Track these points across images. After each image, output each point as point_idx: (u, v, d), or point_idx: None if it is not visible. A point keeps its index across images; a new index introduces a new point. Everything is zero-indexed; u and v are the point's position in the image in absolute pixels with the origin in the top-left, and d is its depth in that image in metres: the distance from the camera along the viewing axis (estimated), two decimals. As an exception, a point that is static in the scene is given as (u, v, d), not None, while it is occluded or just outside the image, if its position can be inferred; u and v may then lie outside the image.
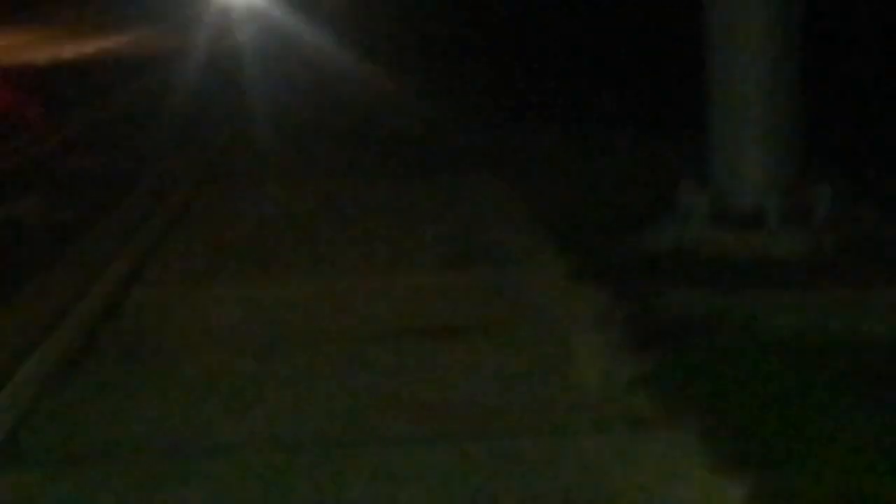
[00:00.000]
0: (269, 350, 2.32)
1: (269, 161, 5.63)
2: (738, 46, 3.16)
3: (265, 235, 3.80)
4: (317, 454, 1.68)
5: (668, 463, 1.61)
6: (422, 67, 8.99)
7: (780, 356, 2.11)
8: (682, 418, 1.84)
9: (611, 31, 6.42)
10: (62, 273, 3.46)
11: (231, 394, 2.01)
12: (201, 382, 2.11)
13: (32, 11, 21.28)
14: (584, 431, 1.82)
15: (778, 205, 3.03)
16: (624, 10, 6.28)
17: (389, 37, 10.91)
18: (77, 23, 20.61)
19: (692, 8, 3.50)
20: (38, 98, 9.40)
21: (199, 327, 2.57)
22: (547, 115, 6.10)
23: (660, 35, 5.70)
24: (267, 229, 3.89)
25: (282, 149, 5.90)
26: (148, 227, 4.05)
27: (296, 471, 1.57)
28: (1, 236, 4.34)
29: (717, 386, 1.97)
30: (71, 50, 15.26)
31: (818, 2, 3.65)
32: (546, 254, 3.23)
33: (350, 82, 8.79)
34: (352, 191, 4.65)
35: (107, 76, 11.56)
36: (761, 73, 3.11)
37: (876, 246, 2.95)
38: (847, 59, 4.47)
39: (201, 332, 2.52)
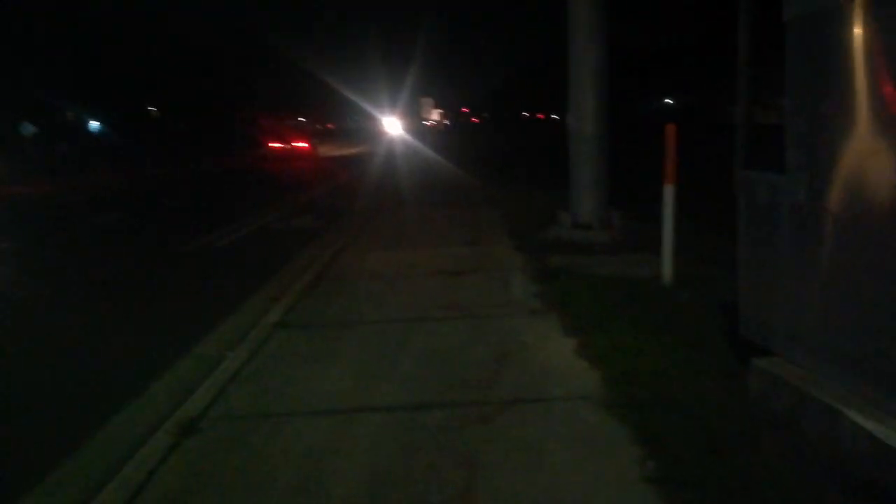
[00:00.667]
0: (392, 279, 5.61)
1: (406, 201, 11.54)
2: (578, 146, 6.78)
3: (398, 232, 7.76)
4: (409, 325, 4.18)
5: (542, 330, 3.95)
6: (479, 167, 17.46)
7: (595, 284, 4.97)
8: (552, 311, 4.33)
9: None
10: (311, 249, 7.03)
11: (374, 298, 4.95)
12: (362, 293, 5.12)
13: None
14: (509, 315, 4.34)
15: (598, 218, 6.70)
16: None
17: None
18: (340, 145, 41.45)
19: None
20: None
21: (364, 270, 5.76)
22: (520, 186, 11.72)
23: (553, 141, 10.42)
24: (400, 229, 7.95)
25: (411, 196, 12.36)
26: (351, 230, 8.28)
27: (403, 331, 4.07)
28: (287, 236, 8.83)
29: (569, 297, 4.65)
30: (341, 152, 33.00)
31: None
32: (505, 240, 6.78)
33: (445, 170, 17.99)
34: (438, 212, 9.65)
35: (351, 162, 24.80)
36: (591, 160, 6.76)
37: (637, 237, 6.67)
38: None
39: (364, 272, 5.70)
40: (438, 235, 7.67)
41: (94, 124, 39.59)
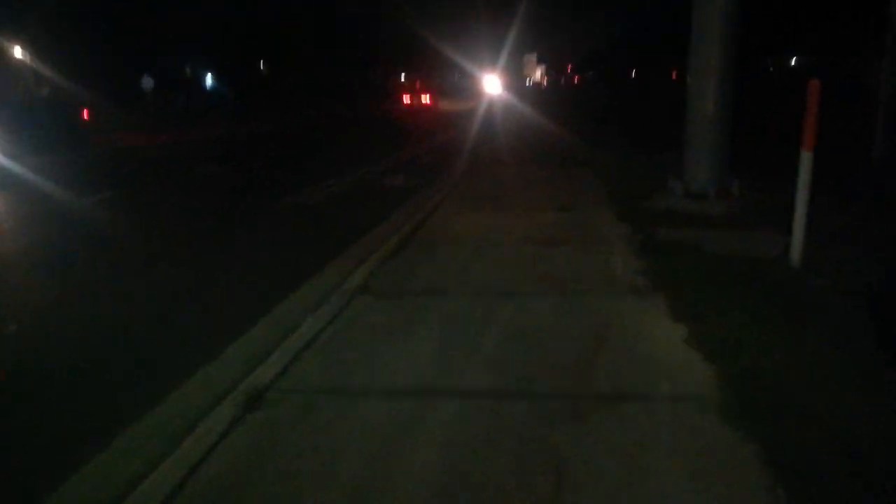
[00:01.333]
0: (482, 246, 5.17)
1: (502, 160, 10.99)
2: (697, 102, 6.05)
3: (493, 194, 7.57)
4: (497, 299, 3.79)
5: (648, 313, 3.40)
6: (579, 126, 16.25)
7: (710, 262, 4.32)
8: (659, 291, 3.72)
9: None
10: (408, 205, 7.31)
11: (461, 266, 4.59)
12: (449, 260, 4.75)
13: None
14: (609, 293, 3.85)
15: (714, 189, 6.00)
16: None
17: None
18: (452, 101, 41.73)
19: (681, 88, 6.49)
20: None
21: (454, 235, 5.45)
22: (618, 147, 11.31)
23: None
24: (495, 191, 7.81)
25: (509, 156, 11.73)
26: (445, 187, 8.21)
27: (490, 306, 3.67)
28: (386, 192, 8.97)
29: (679, 276, 3.98)
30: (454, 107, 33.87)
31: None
32: (606, 207, 6.22)
33: (546, 130, 17.10)
34: (536, 173, 9.24)
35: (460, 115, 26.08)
36: (709, 123, 6.02)
37: (760, 210, 5.92)
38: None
39: (454, 238, 5.38)
40: (534, 199, 7.12)
41: (210, 80, 41.93)
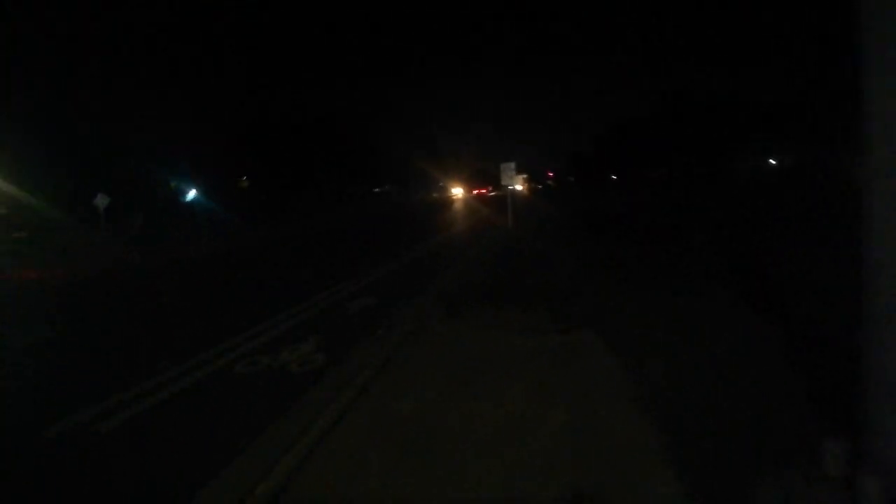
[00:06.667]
0: None
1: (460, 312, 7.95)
2: None
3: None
4: None
5: None
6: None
7: None
8: None
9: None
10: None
11: None
12: None
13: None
14: None
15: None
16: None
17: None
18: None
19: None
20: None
21: None
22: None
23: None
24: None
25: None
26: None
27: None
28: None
29: None
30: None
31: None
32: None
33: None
34: (510, 350, 5.57)
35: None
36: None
37: None
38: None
39: None
40: (500, 455, 3.79)
41: (192, 194, 41.32)
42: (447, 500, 3.30)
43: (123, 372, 6.21)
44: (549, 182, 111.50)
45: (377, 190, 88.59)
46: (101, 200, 26.09)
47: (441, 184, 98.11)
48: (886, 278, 2.45)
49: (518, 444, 3.87)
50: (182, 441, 4.53)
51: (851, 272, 2.76)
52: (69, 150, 31.18)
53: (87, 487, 3.92)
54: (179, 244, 23.27)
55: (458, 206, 53.14)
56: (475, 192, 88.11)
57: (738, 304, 6.68)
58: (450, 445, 3.90)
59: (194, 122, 41.87)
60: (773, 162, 61.32)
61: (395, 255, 15.32)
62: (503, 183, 21.70)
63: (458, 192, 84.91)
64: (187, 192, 40.33)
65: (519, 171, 22.83)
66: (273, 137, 50.72)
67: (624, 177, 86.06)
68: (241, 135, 48.00)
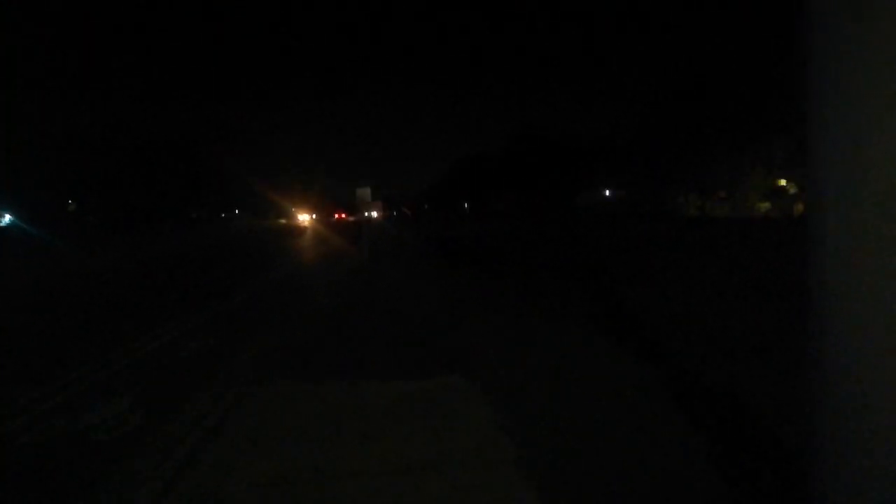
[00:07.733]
0: None
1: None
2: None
3: None
4: None
5: None
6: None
7: None
8: None
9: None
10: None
11: None
12: None
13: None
14: None
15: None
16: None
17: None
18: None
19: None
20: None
21: None
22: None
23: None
24: None
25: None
26: None
27: None
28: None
29: None
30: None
31: None
32: None
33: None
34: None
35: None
36: None
37: None
38: None
39: None
40: None
41: (6, 218, 37.92)
42: None
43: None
44: (406, 210, 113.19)
45: (223, 215, 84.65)
46: None
47: (293, 209, 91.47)
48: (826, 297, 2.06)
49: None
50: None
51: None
52: None
53: None
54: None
55: (304, 233, 45.53)
56: (335, 216, 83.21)
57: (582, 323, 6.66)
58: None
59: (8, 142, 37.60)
60: (608, 194, 66.75)
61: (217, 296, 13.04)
62: (360, 210, 20.70)
63: (304, 218, 73.22)
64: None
65: (375, 197, 22.10)
66: (113, 159, 48.37)
67: (475, 206, 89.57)
68: (74, 156, 44.97)
